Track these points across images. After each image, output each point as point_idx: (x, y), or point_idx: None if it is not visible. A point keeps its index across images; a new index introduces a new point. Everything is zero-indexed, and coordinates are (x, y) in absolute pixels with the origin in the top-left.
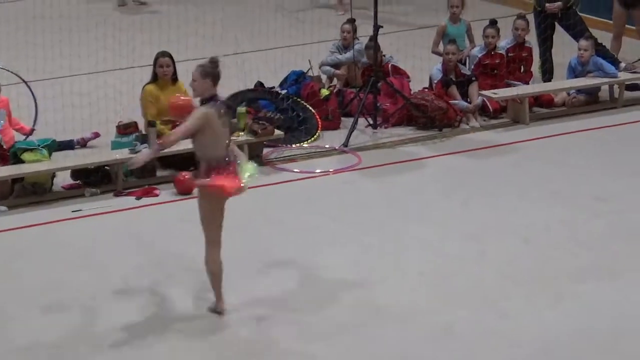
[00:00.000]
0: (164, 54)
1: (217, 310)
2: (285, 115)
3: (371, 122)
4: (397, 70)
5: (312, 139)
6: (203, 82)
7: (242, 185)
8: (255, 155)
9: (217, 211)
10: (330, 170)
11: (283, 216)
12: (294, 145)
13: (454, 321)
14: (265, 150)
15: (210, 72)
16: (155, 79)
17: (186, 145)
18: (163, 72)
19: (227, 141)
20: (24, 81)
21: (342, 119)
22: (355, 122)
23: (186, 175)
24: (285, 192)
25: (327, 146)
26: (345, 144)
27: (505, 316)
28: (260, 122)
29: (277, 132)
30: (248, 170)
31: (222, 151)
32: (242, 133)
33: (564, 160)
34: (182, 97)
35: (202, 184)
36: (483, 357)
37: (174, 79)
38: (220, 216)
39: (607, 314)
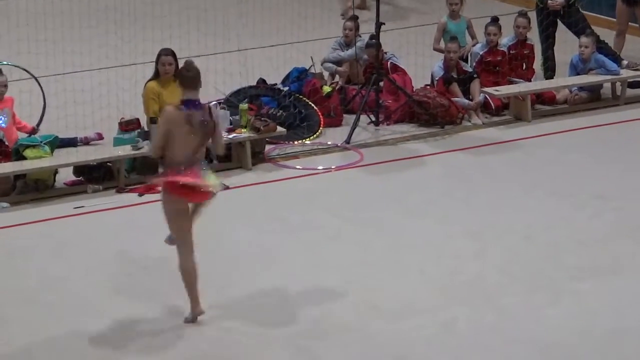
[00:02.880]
0: (166, 51)
1: (191, 319)
2: (288, 112)
3: (373, 119)
4: (396, 69)
5: (314, 136)
6: None
7: (203, 189)
8: (257, 152)
9: (175, 213)
10: (333, 167)
11: (285, 213)
12: (296, 142)
13: (454, 318)
14: (268, 147)
15: (178, 74)
16: (157, 75)
17: None
18: (165, 70)
19: (190, 150)
20: (35, 79)
21: (344, 115)
22: (358, 119)
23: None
24: (287, 189)
25: (329, 143)
26: (348, 141)
27: (506, 314)
28: (263, 118)
29: (279, 129)
30: (211, 180)
31: (180, 157)
32: (244, 130)
33: (566, 158)
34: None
35: (159, 181)
36: (483, 354)
37: (176, 76)
38: (181, 219)
39: (607, 313)
